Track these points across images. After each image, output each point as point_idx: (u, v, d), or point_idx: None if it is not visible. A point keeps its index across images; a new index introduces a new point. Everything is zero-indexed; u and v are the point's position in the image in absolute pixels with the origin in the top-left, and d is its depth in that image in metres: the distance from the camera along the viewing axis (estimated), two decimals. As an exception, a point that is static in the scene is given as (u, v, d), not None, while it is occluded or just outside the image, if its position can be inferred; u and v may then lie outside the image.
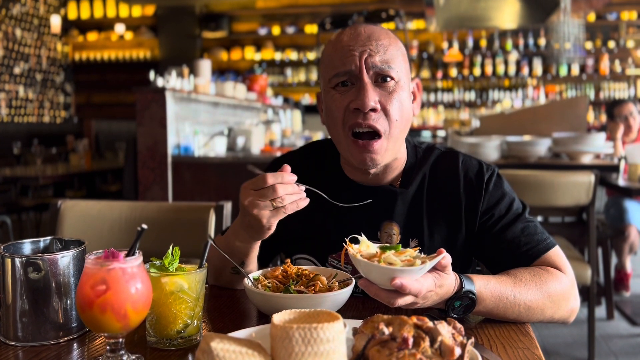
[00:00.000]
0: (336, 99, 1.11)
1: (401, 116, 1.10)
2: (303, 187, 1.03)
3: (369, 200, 1.13)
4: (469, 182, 1.17)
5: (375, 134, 1.09)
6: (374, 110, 1.07)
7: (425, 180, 1.19)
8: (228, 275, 1.18)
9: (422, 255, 0.91)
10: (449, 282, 0.92)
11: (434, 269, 0.90)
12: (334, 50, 1.12)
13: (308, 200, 1.03)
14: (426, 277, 0.88)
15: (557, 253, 1.11)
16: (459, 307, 0.96)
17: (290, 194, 1.00)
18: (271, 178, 0.99)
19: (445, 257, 0.89)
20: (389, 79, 1.09)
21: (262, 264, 1.29)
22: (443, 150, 1.24)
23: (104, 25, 9.31)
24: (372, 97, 1.07)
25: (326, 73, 1.13)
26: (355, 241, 0.95)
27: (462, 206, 1.16)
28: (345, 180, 1.22)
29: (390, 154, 1.12)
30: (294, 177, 1.01)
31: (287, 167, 1.02)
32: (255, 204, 1.00)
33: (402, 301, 0.86)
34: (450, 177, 1.18)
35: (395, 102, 1.09)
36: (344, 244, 0.93)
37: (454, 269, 0.94)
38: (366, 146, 1.09)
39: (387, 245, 0.92)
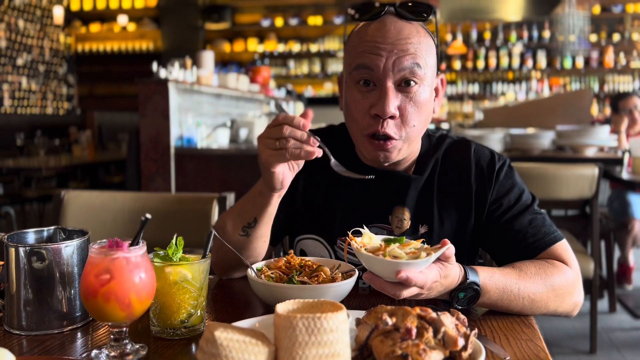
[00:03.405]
0: (357, 99, 1.08)
1: (419, 120, 1.08)
2: (317, 142, 0.96)
3: (372, 176, 1.07)
4: (480, 171, 1.17)
5: (390, 137, 1.07)
6: (392, 117, 1.05)
7: (437, 167, 1.19)
8: (238, 238, 1.12)
9: (426, 246, 0.91)
10: (454, 272, 0.92)
11: (438, 259, 0.90)
12: (359, 42, 1.08)
13: (315, 152, 0.95)
14: (431, 268, 0.88)
15: (563, 246, 1.11)
16: (463, 298, 0.96)
17: (297, 139, 0.95)
18: (282, 117, 0.96)
19: (449, 248, 0.89)
20: (412, 83, 1.06)
21: (275, 243, 1.28)
22: (455, 139, 1.23)
23: (106, 16, 9.28)
24: (393, 104, 1.04)
25: (348, 64, 1.10)
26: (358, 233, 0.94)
27: (472, 194, 1.16)
28: (359, 164, 1.21)
29: (404, 152, 1.12)
30: (307, 124, 0.95)
31: (308, 113, 0.98)
32: (263, 140, 0.98)
33: (408, 293, 0.87)
34: (462, 164, 1.18)
35: (414, 108, 1.07)
36: (347, 238, 0.93)
37: (462, 258, 0.94)
38: (381, 145, 1.08)
39: (391, 237, 0.92)
